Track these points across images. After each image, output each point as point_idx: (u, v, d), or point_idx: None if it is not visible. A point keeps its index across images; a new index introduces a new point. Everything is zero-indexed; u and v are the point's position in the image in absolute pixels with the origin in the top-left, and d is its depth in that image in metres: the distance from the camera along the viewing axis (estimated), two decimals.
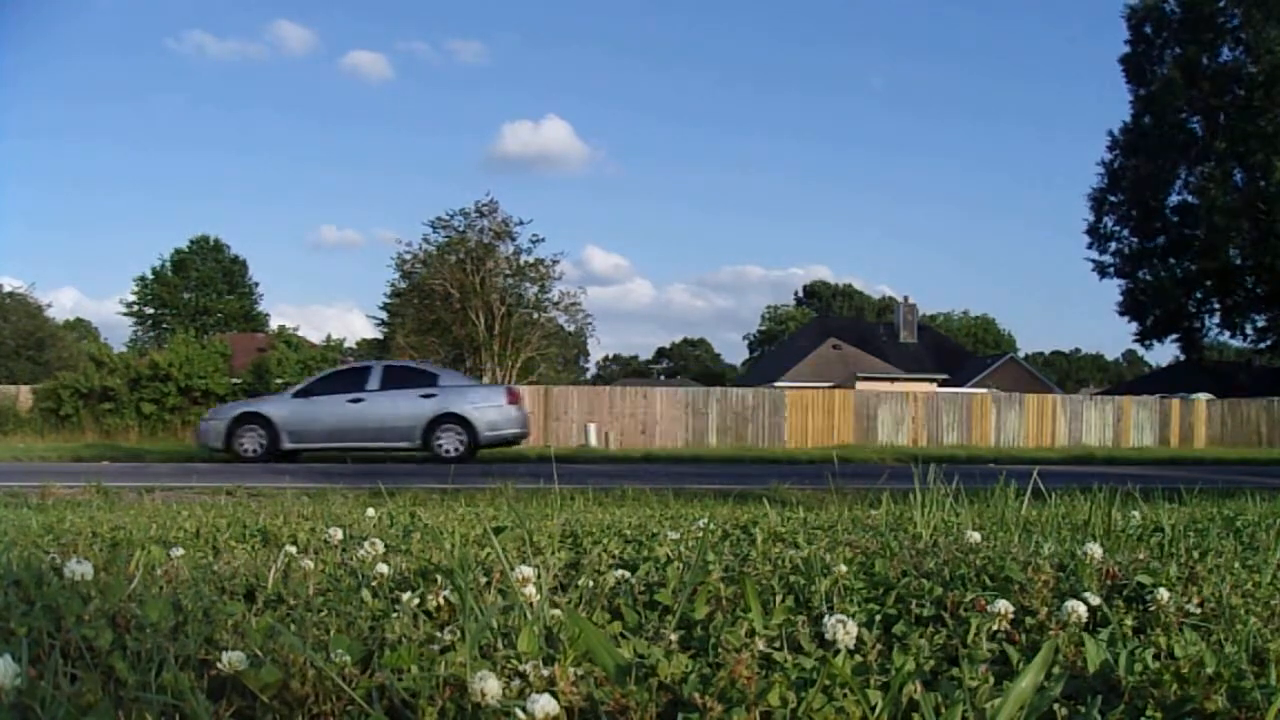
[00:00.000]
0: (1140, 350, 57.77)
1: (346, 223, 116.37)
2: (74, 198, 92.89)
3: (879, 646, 1.52)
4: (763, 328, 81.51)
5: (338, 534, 2.85)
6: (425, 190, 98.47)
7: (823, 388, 31.71)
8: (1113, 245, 37.32)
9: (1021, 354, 59.65)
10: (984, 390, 31.62)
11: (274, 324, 49.57)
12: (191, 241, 56.69)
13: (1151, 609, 1.79)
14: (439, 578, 2.07)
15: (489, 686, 1.22)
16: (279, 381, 24.04)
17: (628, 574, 2.12)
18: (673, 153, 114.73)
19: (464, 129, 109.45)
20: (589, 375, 73.59)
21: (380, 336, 50.90)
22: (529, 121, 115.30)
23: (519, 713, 1.17)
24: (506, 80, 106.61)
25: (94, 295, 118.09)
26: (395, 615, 1.74)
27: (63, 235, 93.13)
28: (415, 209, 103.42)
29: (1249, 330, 36.27)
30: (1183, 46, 33.61)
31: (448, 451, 14.25)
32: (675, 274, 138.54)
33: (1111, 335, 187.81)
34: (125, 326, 57.51)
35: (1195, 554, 2.50)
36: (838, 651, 1.42)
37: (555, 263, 36.94)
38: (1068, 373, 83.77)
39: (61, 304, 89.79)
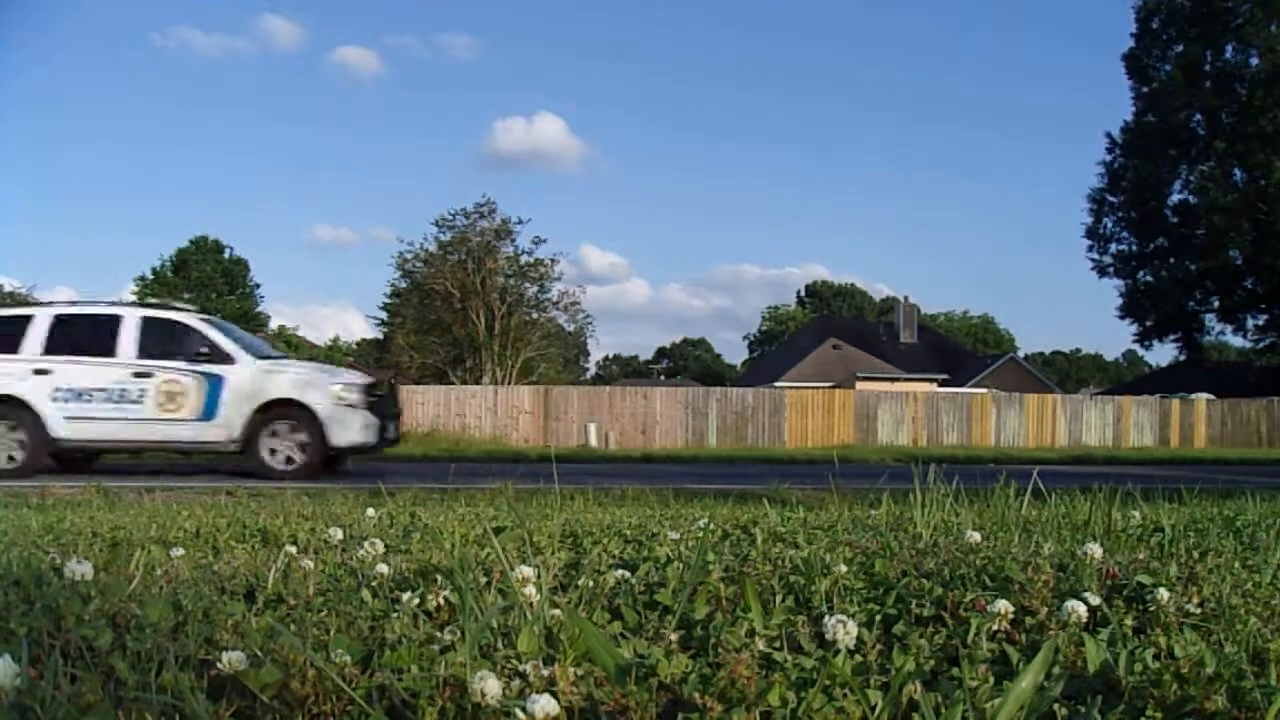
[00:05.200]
0: (1140, 350, 57.77)
1: (341, 221, 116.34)
2: (65, 198, 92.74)
3: (879, 646, 1.52)
4: (763, 327, 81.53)
5: (338, 534, 2.85)
6: (419, 188, 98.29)
7: (823, 388, 31.71)
8: (1113, 246, 37.33)
9: (1021, 354, 59.61)
10: (984, 390, 31.61)
11: (273, 324, 49.62)
12: (192, 241, 56.72)
13: (1151, 609, 1.79)
14: (439, 578, 2.07)
15: (489, 686, 1.22)
16: None
17: (628, 574, 2.11)
18: (668, 151, 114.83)
19: (456, 125, 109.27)
20: (589, 375, 73.59)
21: (380, 336, 51.01)
22: (522, 118, 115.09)
23: (519, 713, 1.17)
24: (498, 76, 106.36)
25: (89, 295, 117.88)
26: (395, 615, 1.74)
27: (56, 235, 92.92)
28: (409, 207, 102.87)
29: (1249, 329, 36.30)
30: (1187, 44, 33.61)
31: None
32: (672, 273, 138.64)
33: (1111, 335, 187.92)
34: None
35: (1195, 554, 2.50)
36: (838, 651, 1.42)
37: (555, 262, 37.00)
38: (1068, 373, 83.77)
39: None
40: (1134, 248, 36.98)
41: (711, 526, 3.36)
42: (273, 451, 10.02)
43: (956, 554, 2.34)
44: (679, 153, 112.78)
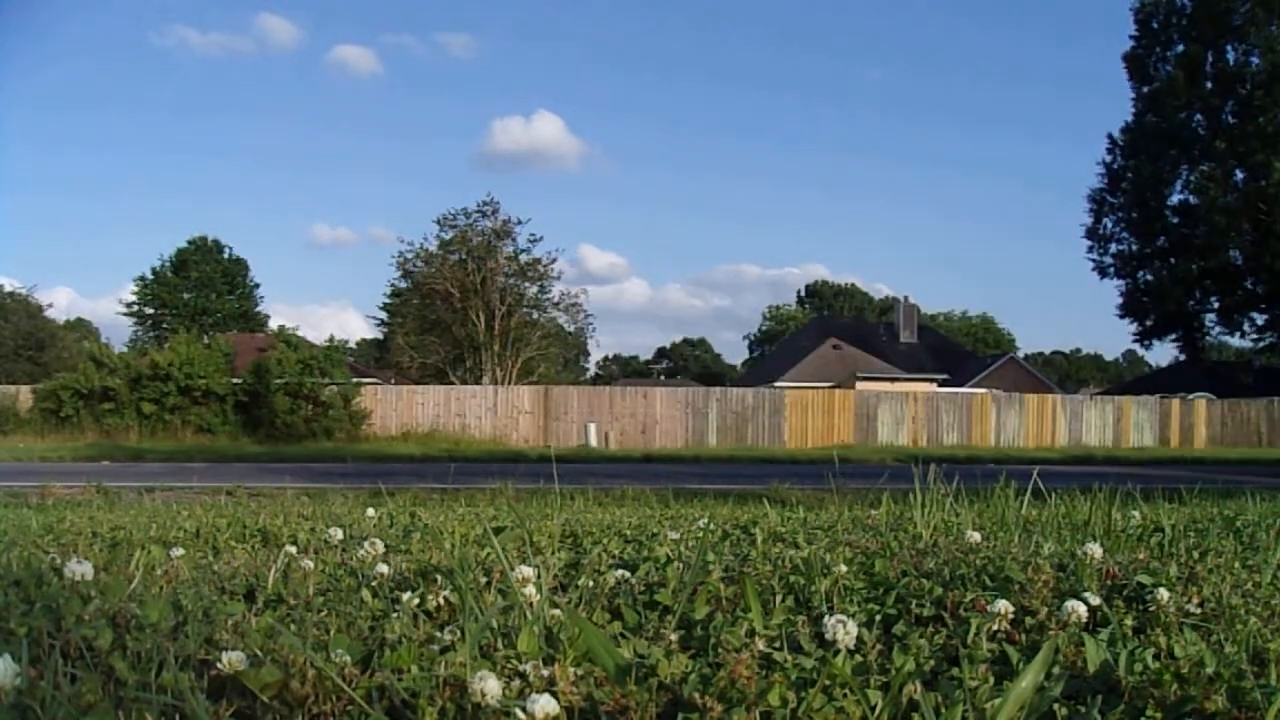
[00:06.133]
0: (1140, 350, 57.86)
1: (339, 221, 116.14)
2: (65, 198, 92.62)
3: (879, 646, 1.52)
4: (763, 327, 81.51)
5: (338, 534, 2.86)
6: (418, 188, 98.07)
7: (823, 388, 31.71)
8: (1113, 246, 37.33)
9: (1021, 354, 59.56)
10: (984, 390, 31.62)
11: (272, 324, 49.62)
12: (191, 241, 56.69)
13: (1151, 609, 1.79)
14: (439, 578, 2.08)
15: (489, 686, 1.22)
16: (279, 381, 24.04)
17: (628, 574, 2.12)
18: (667, 150, 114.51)
19: (455, 125, 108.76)
20: (589, 375, 73.60)
21: (380, 336, 50.96)
22: (520, 117, 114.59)
23: (519, 713, 1.17)
24: (496, 75, 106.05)
25: (88, 295, 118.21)
26: (395, 615, 1.74)
27: (56, 235, 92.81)
28: (407, 206, 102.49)
29: (1248, 329, 36.32)
30: (1187, 44, 33.62)
31: None
32: (671, 273, 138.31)
33: (1111, 335, 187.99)
34: (125, 326, 57.58)
35: (1195, 554, 2.50)
36: (838, 651, 1.42)
37: (553, 260, 36.95)
38: (1068, 373, 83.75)
39: (56, 304, 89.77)
40: (1134, 248, 36.98)
41: (711, 526, 3.36)
42: None
43: (956, 554, 2.34)
44: (678, 152, 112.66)
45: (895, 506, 3.96)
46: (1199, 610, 1.81)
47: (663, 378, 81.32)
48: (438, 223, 36.39)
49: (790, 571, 2.13)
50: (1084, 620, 1.62)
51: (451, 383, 32.82)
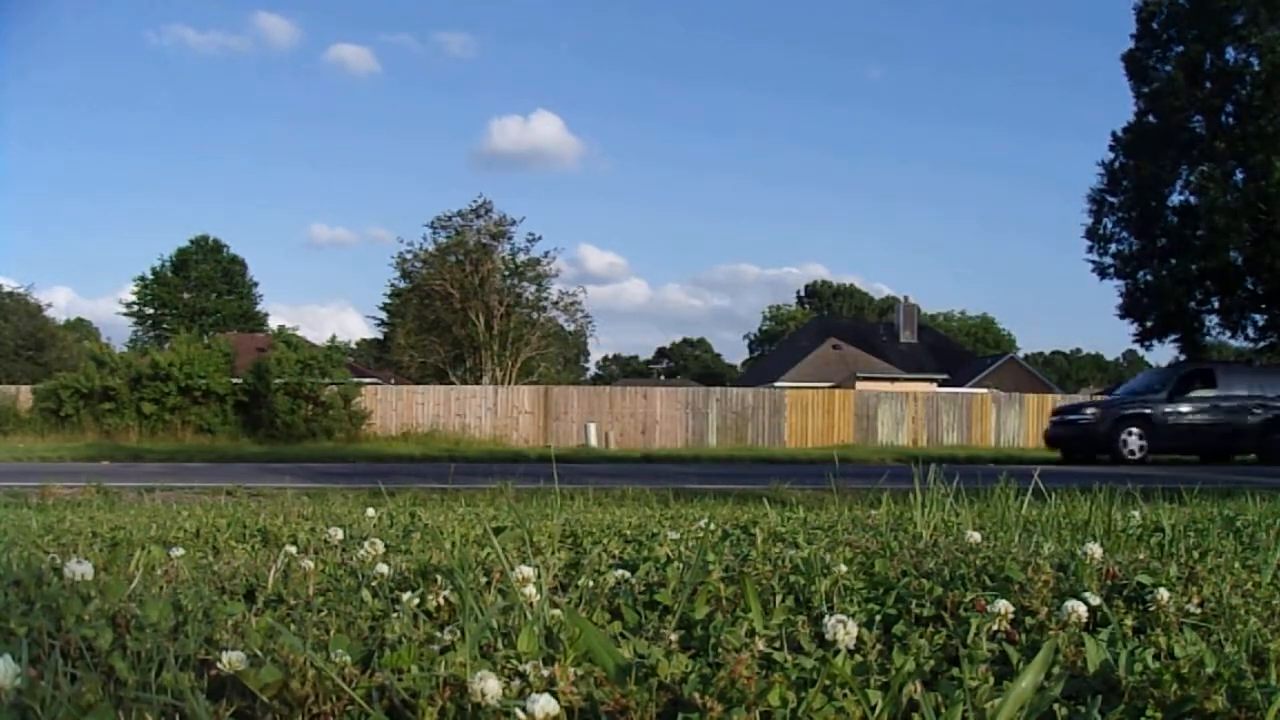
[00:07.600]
0: (1140, 350, 57.77)
1: (337, 221, 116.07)
2: (65, 198, 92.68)
3: (879, 646, 1.52)
4: (763, 327, 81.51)
5: (338, 534, 2.86)
6: (417, 188, 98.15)
7: (823, 388, 31.73)
8: (1113, 246, 37.30)
9: (1021, 354, 59.52)
10: (984, 390, 31.62)
11: (272, 324, 49.63)
12: (192, 241, 56.73)
13: (1151, 609, 1.79)
14: (439, 578, 2.07)
15: (489, 686, 1.22)
16: (279, 381, 24.04)
17: (628, 574, 2.12)
18: (666, 149, 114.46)
19: (454, 124, 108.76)
20: (589, 375, 73.63)
21: (380, 336, 50.96)
22: (519, 116, 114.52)
23: (519, 713, 1.17)
24: (495, 74, 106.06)
25: (88, 295, 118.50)
26: (395, 615, 1.74)
27: (55, 235, 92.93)
28: (407, 206, 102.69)
29: (1249, 330, 36.30)
30: (1187, 44, 33.62)
31: None
32: (671, 273, 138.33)
33: (1111, 335, 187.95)
34: (125, 326, 57.65)
35: (1195, 554, 2.50)
36: (838, 651, 1.42)
37: (551, 259, 36.95)
38: (1068, 373, 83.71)
39: (56, 304, 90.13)
40: (1134, 248, 36.94)
41: (711, 526, 3.36)
42: None
43: (956, 554, 2.34)
44: (677, 151, 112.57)
45: (895, 506, 3.95)
46: (1199, 610, 1.81)
47: (663, 378, 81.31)
48: (431, 225, 36.41)
49: (790, 571, 2.13)
50: (1084, 620, 1.62)
51: (451, 383, 32.83)
